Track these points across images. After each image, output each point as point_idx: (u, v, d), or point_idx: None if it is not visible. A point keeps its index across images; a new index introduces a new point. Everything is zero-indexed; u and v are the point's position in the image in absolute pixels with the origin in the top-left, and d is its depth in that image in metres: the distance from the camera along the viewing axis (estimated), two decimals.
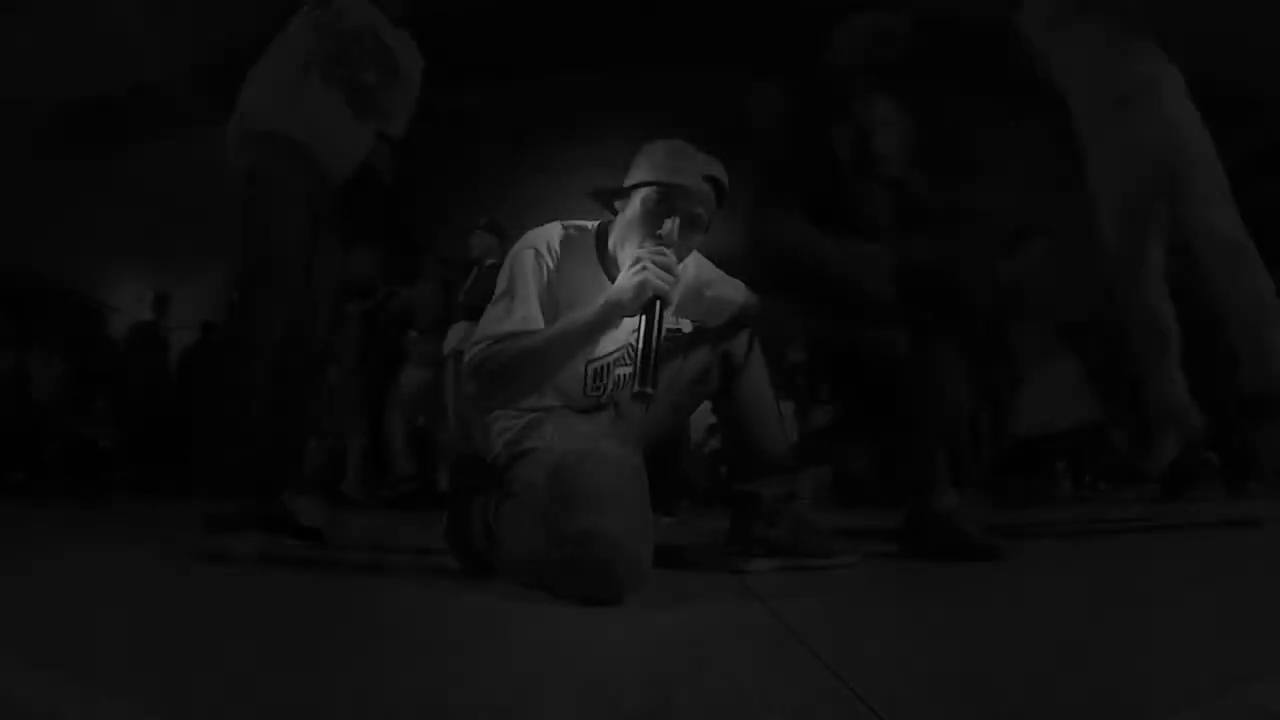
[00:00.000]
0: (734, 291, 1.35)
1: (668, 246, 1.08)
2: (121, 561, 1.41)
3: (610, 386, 1.25)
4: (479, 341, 1.10)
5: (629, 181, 1.16)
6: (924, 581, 1.19)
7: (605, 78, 5.96)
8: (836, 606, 0.98)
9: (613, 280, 1.14)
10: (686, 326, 1.39)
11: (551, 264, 1.15)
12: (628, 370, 1.24)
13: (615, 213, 1.20)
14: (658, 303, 1.02)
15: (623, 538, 0.92)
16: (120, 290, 6.31)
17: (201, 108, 5.17)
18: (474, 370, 1.09)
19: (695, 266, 1.31)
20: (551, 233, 1.19)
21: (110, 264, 6.28)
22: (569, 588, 0.93)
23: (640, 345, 1.02)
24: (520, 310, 1.10)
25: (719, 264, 1.37)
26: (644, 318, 1.03)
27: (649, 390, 0.99)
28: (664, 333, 1.05)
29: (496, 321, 1.10)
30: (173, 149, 5.27)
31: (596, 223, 1.24)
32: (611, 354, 1.22)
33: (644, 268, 1.03)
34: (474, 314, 3.81)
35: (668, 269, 1.04)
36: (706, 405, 1.37)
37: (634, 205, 1.14)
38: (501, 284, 1.16)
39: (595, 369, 1.21)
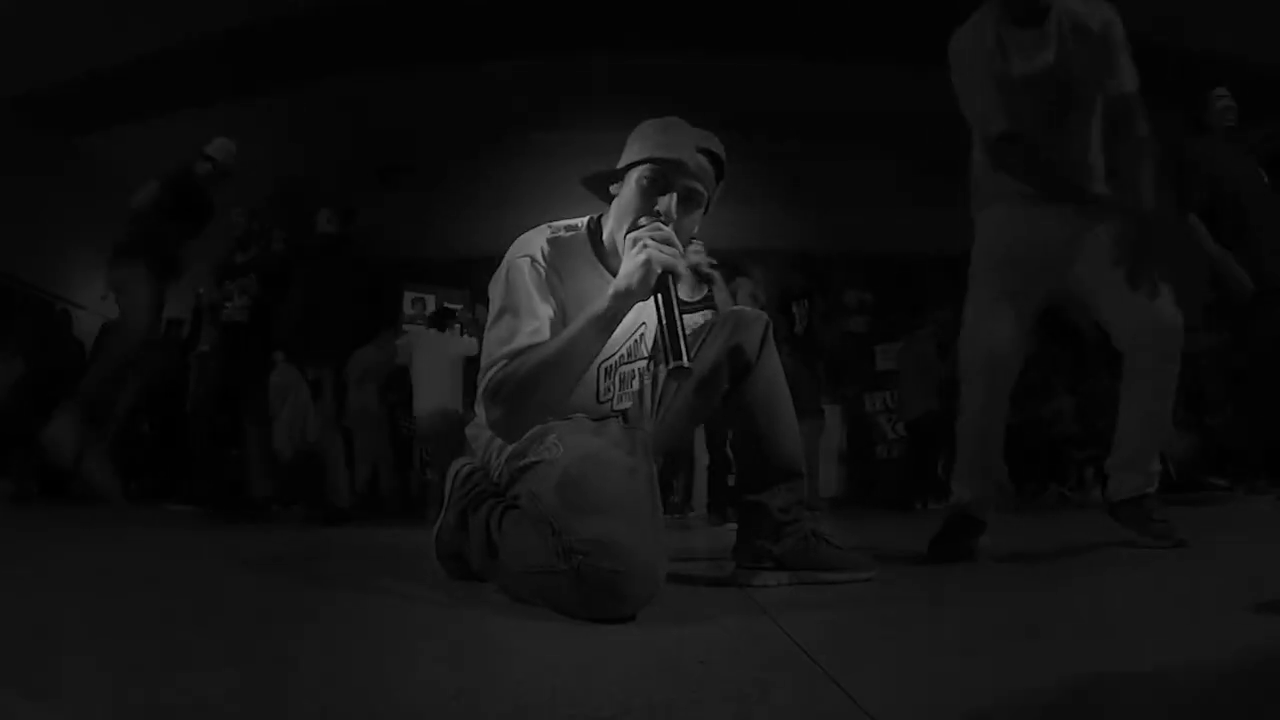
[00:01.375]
0: None
1: (666, 224, 1.08)
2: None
3: (618, 386, 1.26)
4: (491, 365, 1.09)
5: (622, 162, 1.17)
6: (938, 596, 1.20)
7: (591, 60, 5.96)
8: (847, 622, 0.98)
9: (614, 273, 1.14)
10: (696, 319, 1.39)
11: (550, 272, 1.15)
12: (633, 367, 1.26)
13: (610, 199, 1.20)
14: (669, 278, 1.03)
15: (634, 547, 0.92)
16: (85, 287, 6.31)
17: (167, 94, 5.20)
18: (493, 394, 1.08)
19: None
20: (540, 237, 1.18)
21: (72, 259, 6.28)
22: (576, 602, 0.93)
23: (664, 322, 1.01)
24: (526, 323, 1.09)
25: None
26: (658, 297, 1.03)
27: (685, 364, 0.98)
28: (682, 306, 1.05)
29: (504, 340, 1.09)
30: (137, 137, 5.28)
31: (586, 218, 1.24)
32: (616, 353, 1.23)
33: (644, 246, 1.03)
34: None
35: (669, 241, 1.05)
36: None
37: (629, 186, 1.14)
38: (499, 300, 1.15)
39: (605, 368, 1.22)
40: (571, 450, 1.10)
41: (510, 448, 1.19)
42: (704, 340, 1.27)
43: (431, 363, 5.14)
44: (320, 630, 0.98)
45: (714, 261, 3.19)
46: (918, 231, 7.60)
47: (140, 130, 5.38)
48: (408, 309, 7.24)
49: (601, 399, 1.24)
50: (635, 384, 1.31)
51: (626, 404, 1.29)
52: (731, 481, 3.03)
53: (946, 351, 5.44)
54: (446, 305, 6.47)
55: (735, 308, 1.34)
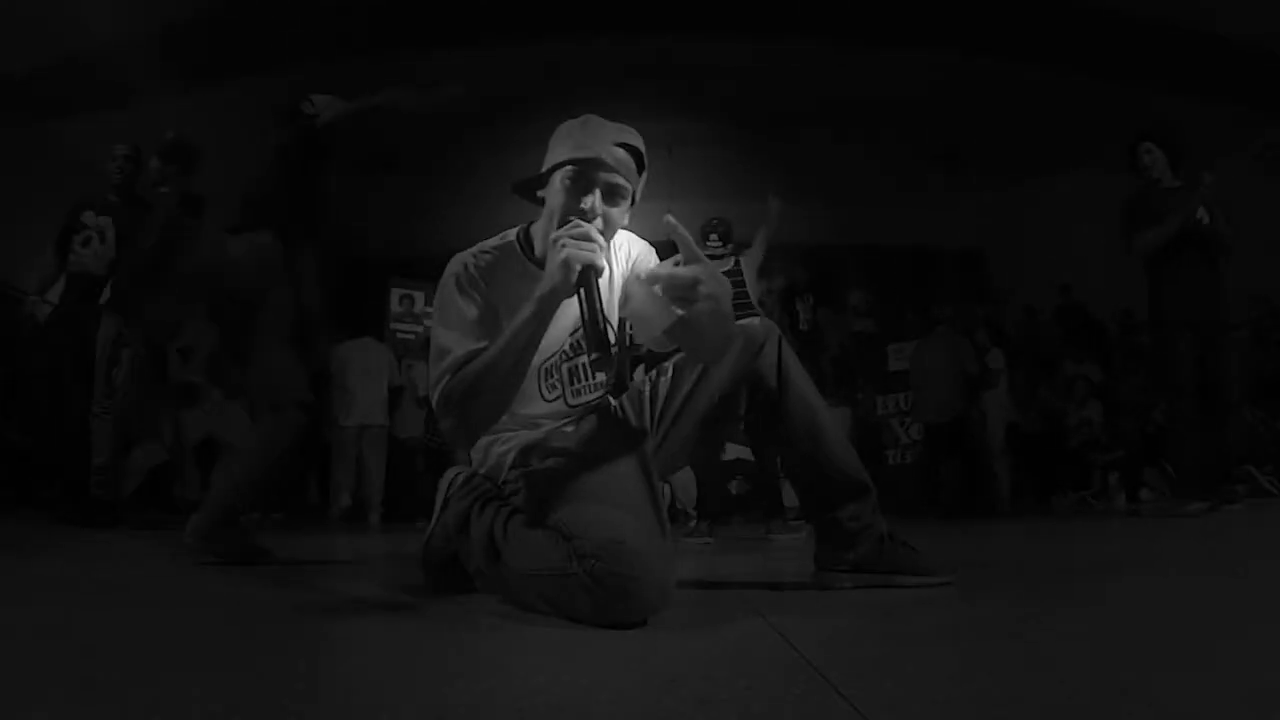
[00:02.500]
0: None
1: (591, 220, 1.15)
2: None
3: (567, 383, 1.32)
4: (438, 381, 1.18)
5: (545, 166, 1.23)
6: (953, 608, 1.20)
7: (591, 46, 5.96)
8: (858, 634, 0.99)
9: None
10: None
11: (480, 284, 1.23)
12: (577, 363, 1.31)
13: (540, 203, 1.27)
14: (590, 273, 1.09)
15: (645, 552, 0.99)
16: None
17: (138, 79, 5.19)
18: (443, 407, 1.17)
19: (633, 249, 1.35)
20: (468, 254, 1.28)
21: (34, 248, 6.27)
22: (587, 607, 0.98)
23: (585, 316, 1.08)
24: (460, 336, 1.19)
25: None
26: (580, 292, 1.09)
27: (599, 355, 1.08)
28: (604, 300, 1.12)
29: (443, 356, 1.18)
30: (107, 122, 5.28)
31: (516, 229, 1.32)
32: (556, 353, 1.30)
33: (562, 245, 1.09)
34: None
35: (586, 237, 1.10)
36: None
37: (553, 189, 1.21)
38: (436, 320, 1.25)
39: (545, 369, 1.29)
40: (580, 461, 1.18)
41: (512, 455, 1.26)
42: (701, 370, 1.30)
43: (362, 373, 5.35)
44: (305, 644, 0.98)
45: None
46: (929, 224, 7.60)
47: (110, 117, 5.38)
48: (395, 306, 7.23)
49: (548, 397, 1.30)
50: (592, 379, 1.35)
51: (583, 398, 1.33)
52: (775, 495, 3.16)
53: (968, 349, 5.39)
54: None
55: (740, 323, 1.32)
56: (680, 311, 1.17)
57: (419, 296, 7.25)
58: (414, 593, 1.38)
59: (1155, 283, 3.57)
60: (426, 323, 7.29)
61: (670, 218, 1.18)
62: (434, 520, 1.37)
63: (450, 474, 1.40)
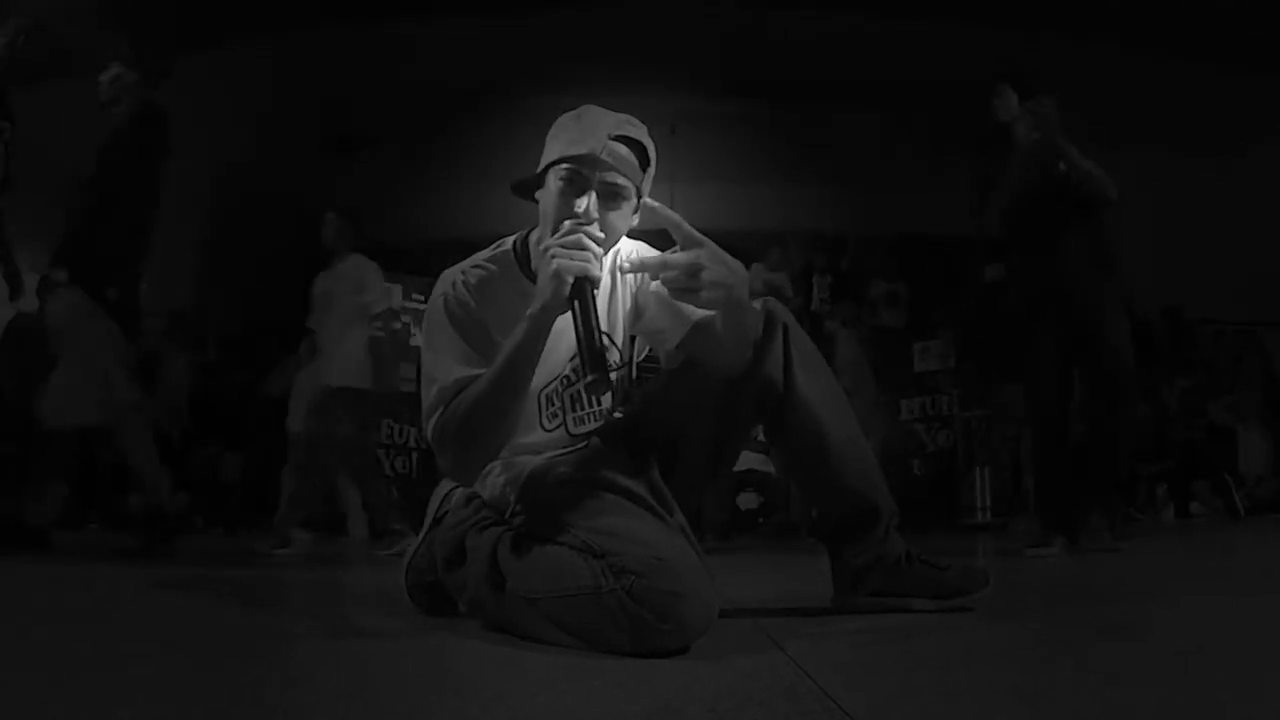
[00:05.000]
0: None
1: (588, 224, 1.11)
2: None
3: (569, 409, 1.31)
4: (430, 414, 1.17)
5: (539, 166, 1.20)
6: (978, 633, 1.22)
7: (590, 14, 5.94)
8: (875, 661, 1.01)
9: None
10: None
11: (470, 304, 1.21)
12: (575, 390, 1.30)
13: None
14: (585, 284, 1.06)
15: (688, 569, 1.00)
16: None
17: (100, 47, 5.17)
18: (439, 442, 1.16)
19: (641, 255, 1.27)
20: (458, 270, 1.26)
21: None
22: (626, 631, 0.97)
23: (580, 334, 1.05)
24: (452, 364, 1.16)
25: None
26: (575, 305, 1.06)
27: (595, 376, 1.05)
28: (603, 315, 1.10)
29: (432, 385, 1.17)
30: (62, 98, 5.27)
31: (514, 236, 1.30)
32: (556, 378, 1.28)
33: (552, 256, 1.07)
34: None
35: (578, 245, 1.07)
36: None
37: (547, 192, 1.18)
38: (424, 343, 1.24)
39: (546, 395, 1.28)
40: (594, 482, 1.16)
41: (518, 484, 1.23)
42: (700, 373, 1.24)
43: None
44: (285, 667, 1.00)
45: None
46: (958, 212, 7.54)
47: (72, 87, 5.36)
48: None
49: (549, 426, 1.29)
50: (595, 406, 1.33)
51: (586, 426, 1.32)
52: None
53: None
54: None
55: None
56: (696, 316, 1.17)
57: (397, 290, 7.23)
58: (399, 614, 1.38)
59: (1014, 261, 3.11)
60: (405, 319, 7.29)
61: (650, 200, 1.17)
62: (420, 538, 1.36)
63: (445, 487, 1.37)
